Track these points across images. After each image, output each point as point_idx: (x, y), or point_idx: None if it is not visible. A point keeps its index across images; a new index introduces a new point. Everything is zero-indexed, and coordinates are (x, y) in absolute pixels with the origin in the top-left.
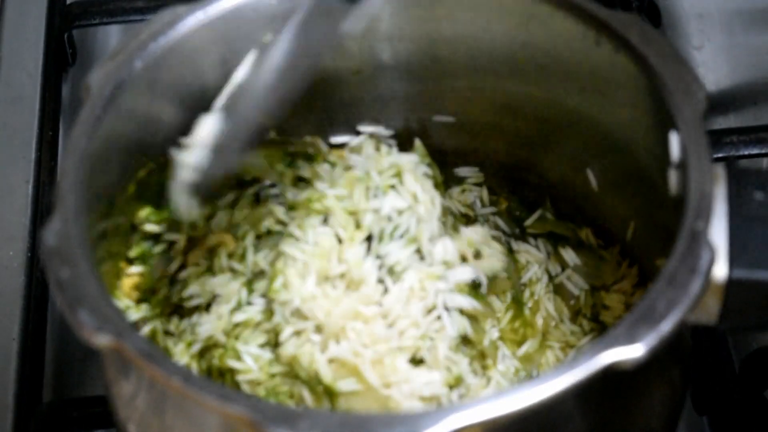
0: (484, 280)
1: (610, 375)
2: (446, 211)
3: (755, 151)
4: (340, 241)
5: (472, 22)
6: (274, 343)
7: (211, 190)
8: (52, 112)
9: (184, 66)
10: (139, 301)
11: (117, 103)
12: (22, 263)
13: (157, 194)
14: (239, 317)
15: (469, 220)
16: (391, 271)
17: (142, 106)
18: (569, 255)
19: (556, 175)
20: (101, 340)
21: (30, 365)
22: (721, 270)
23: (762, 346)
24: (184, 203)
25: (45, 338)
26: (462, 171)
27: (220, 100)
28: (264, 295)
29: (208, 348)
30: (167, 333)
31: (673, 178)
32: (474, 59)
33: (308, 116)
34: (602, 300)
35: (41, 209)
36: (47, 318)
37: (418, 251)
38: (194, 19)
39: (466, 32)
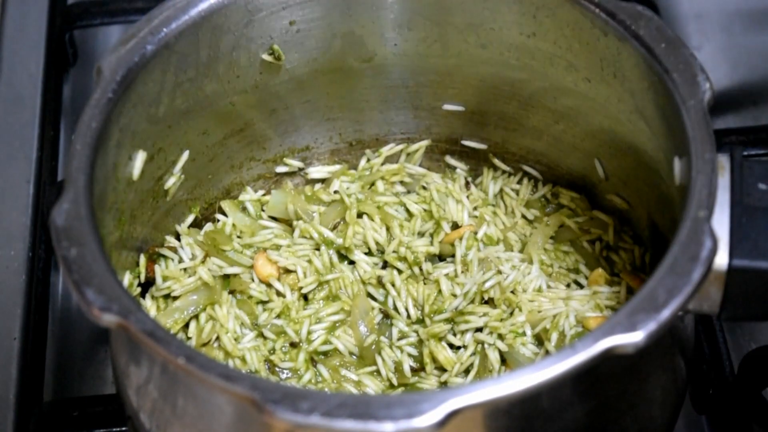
0: None
1: (611, 361)
2: None
3: (754, 151)
4: None
5: (482, 11)
6: None
7: None
8: (53, 112)
9: (196, 51)
10: None
11: (128, 87)
12: (22, 263)
13: None
14: None
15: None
16: None
17: (154, 90)
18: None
19: (564, 164)
20: (107, 318)
21: (31, 365)
22: (722, 258)
23: (760, 346)
24: None
25: (46, 338)
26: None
27: None
28: None
29: None
30: None
31: (677, 167)
32: (483, 48)
33: (318, 103)
34: None
35: (42, 209)
36: (48, 318)
37: None
38: (207, 4)
39: (476, 21)
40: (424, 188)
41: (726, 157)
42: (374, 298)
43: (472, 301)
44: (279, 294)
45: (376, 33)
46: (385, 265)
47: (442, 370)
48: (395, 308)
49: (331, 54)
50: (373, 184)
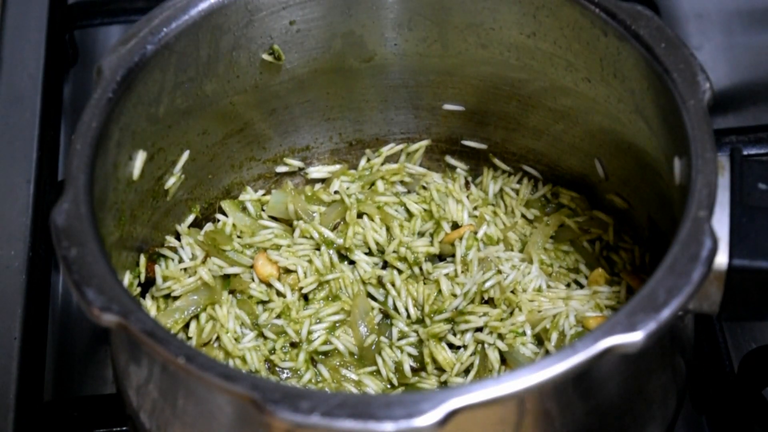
0: None
1: (611, 361)
2: None
3: (754, 151)
4: None
5: (482, 11)
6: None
7: None
8: (53, 112)
9: (196, 50)
10: None
11: (128, 87)
12: (22, 263)
13: None
14: None
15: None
16: None
17: (154, 89)
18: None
19: (564, 164)
20: (107, 318)
21: (31, 365)
22: (722, 258)
23: (760, 345)
24: None
25: (46, 338)
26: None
27: None
28: None
29: None
30: None
31: (677, 167)
32: (483, 48)
33: (318, 103)
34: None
35: (42, 209)
36: (48, 318)
37: None
38: (207, 4)
39: (476, 21)
40: (424, 188)
41: (726, 157)
42: (374, 298)
43: (472, 301)
44: (279, 294)
45: (376, 33)
46: (385, 265)
47: (442, 370)
48: (395, 308)
49: (331, 54)
50: (373, 184)
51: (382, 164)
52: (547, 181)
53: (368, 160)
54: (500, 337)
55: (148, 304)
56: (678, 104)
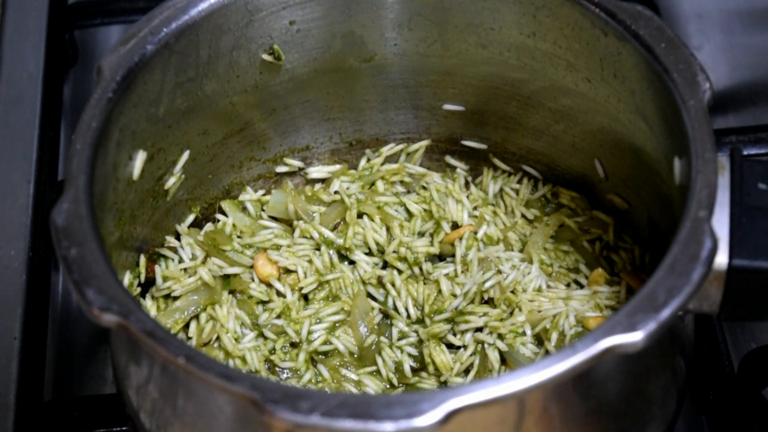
0: None
1: (610, 361)
2: None
3: (754, 151)
4: None
5: (482, 11)
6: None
7: None
8: (53, 112)
9: (196, 50)
10: None
11: (128, 87)
12: (22, 263)
13: None
14: None
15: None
16: None
17: (154, 89)
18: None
19: (564, 164)
20: (107, 318)
21: (31, 365)
22: (722, 258)
23: (760, 345)
24: None
25: (46, 338)
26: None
27: None
28: None
29: None
30: None
31: (677, 167)
32: (483, 48)
33: (318, 103)
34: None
35: (42, 209)
36: (48, 318)
37: None
38: (207, 4)
39: (476, 21)
40: (424, 188)
41: (726, 156)
42: (374, 298)
43: (472, 301)
44: (279, 294)
45: (376, 33)
46: (385, 265)
47: None
48: (395, 308)
49: (331, 54)
50: (373, 184)
51: (382, 164)
52: (547, 181)
53: (368, 160)
54: (500, 337)
55: (148, 304)
56: (678, 104)
